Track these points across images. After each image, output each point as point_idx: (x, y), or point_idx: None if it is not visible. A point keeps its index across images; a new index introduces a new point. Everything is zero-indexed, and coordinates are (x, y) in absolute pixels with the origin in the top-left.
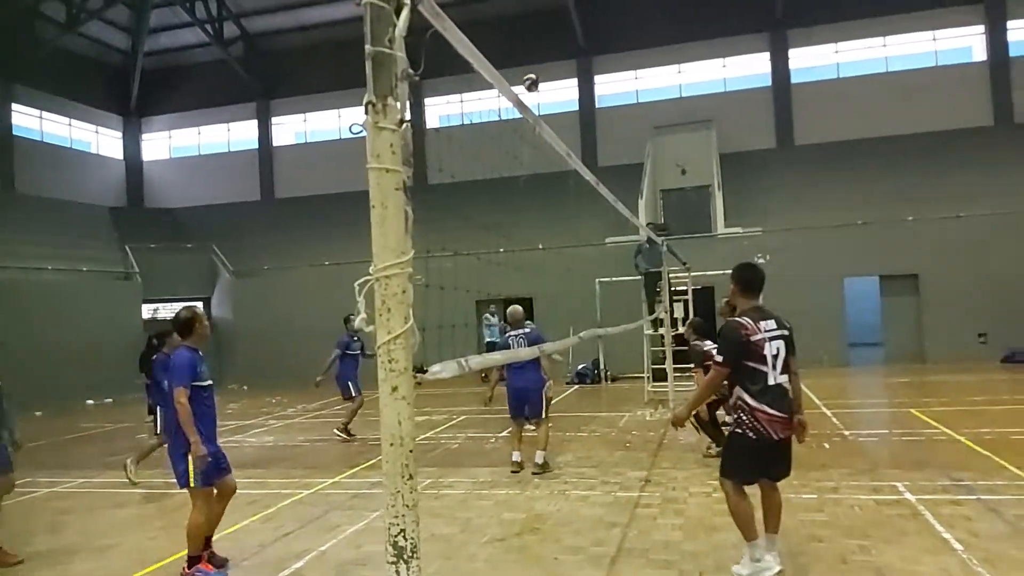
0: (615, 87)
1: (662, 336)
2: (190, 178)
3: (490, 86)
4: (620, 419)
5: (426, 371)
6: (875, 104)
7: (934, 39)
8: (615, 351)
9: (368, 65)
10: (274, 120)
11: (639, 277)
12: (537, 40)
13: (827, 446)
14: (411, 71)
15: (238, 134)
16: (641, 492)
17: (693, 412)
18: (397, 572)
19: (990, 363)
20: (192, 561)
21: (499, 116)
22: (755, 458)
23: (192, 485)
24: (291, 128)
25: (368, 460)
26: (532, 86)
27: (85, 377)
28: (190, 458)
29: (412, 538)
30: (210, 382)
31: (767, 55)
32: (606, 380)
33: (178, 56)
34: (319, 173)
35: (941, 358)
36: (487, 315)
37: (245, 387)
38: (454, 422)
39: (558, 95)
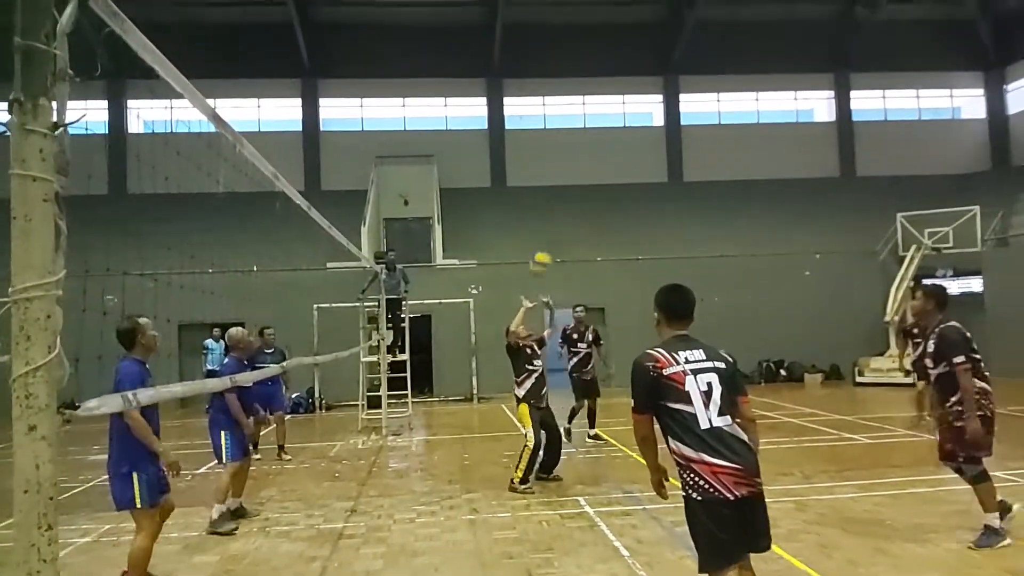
0: (341, 112)
1: (378, 363)
2: None
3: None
4: (332, 448)
5: (78, 406)
6: (575, 155)
7: (623, 103)
8: (331, 378)
9: (17, 59)
10: None
11: (358, 304)
12: (261, 56)
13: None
14: (70, 71)
15: None
16: (346, 523)
17: (657, 471)
18: None
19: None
20: None
21: (201, 129)
22: (716, 528)
23: (139, 505)
24: None
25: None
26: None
27: None
28: (135, 477)
29: None
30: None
31: (484, 100)
32: (321, 409)
33: None
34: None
35: (624, 383)
36: (210, 340)
37: None
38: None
39: (281, 113)
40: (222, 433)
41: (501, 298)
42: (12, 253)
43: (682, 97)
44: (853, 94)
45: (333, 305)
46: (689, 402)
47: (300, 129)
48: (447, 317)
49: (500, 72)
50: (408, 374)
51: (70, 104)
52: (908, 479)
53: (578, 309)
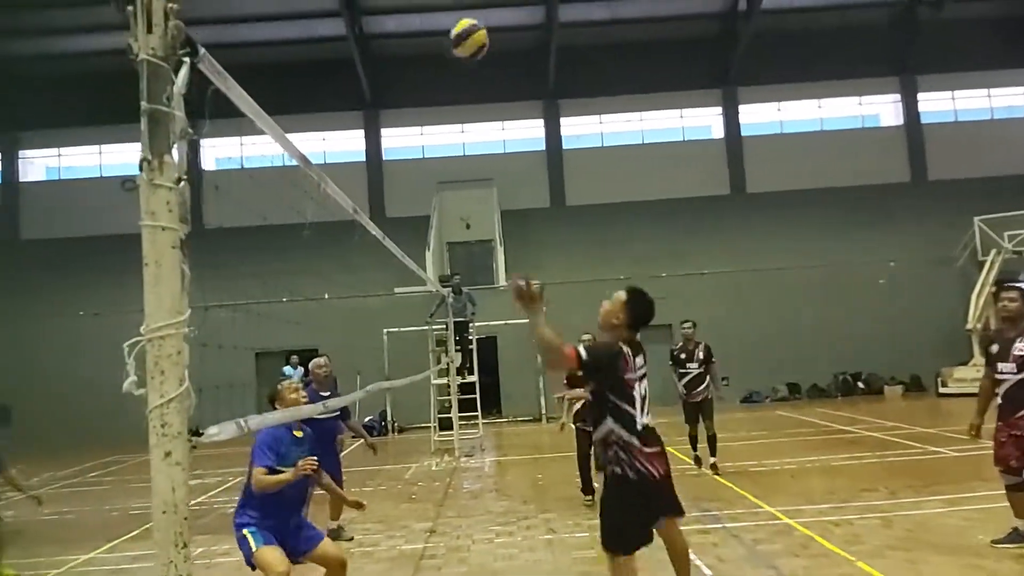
0: (402, 141)
1: (448, 385)
2: None
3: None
4: (407, 471)
5: (202, 433)
6: (634, 171)
7: (682, 116)
8: (402, 401)
9: (144, 122)
10: (23, 154)
11: (426, 327)
12: (325, 91)
13: (596, 484)
14: (190, 130)
15: None
16: (426, 544)
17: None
18: None
19: (731, 403)
20: None
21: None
22: (643, 506)
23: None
24: (44, 164)
25: (129, 531)
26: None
27: None
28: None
29: None
30: None
31: (541, 121)
32: (393, 432)
33: None
34: (73, 214)
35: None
36: (287, 367)
37: None
38: (228, 484)
39: (345, 144)
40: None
41: (566, 315)
42: (145, 296)
43: (741, 108)
44: (920, 96)
45: (402, 329)
46: (633, 404)
47: (364, 159)
48: (512, 338)
49: (556, 93)
50: (478, 396)
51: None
52: (1000, 492)
53: (685, 325)
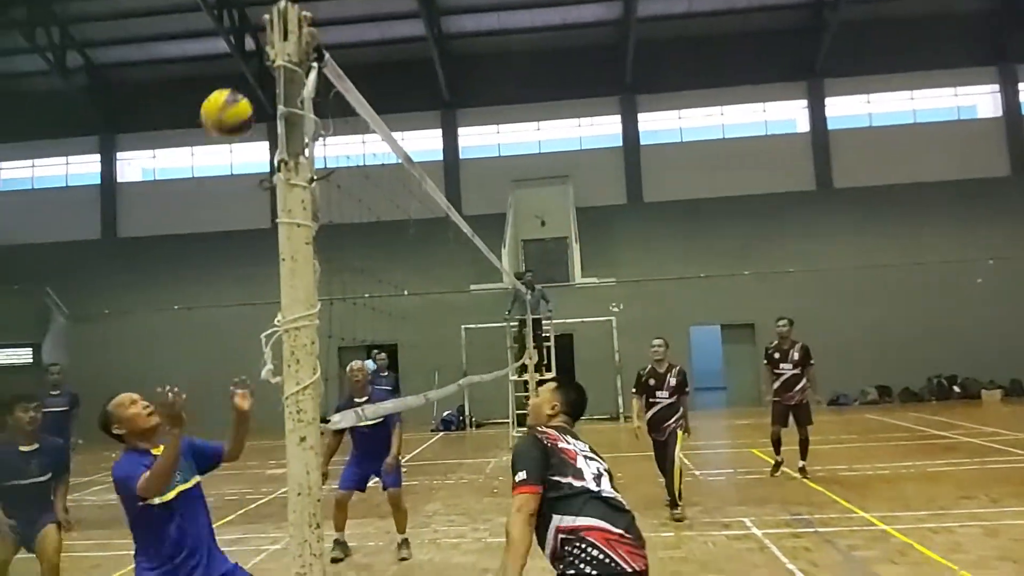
0: (478, 140)
1: (526, 382)
2: (20, 213)
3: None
4: (487, 465)
5: (328, 421)
6: (714, 167)
7: (764, 111)
8: (479, 397)
9: (280, 125)
10: (120, 155)
11: (503, 324)
12: (403, 90)
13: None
14: (323, 132)
15: (78, 168)
16: None
17: None
18: None
19: (817, 406)
20: None
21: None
22: None
23: None
24: (139, 164)
25: (227, 516)
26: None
27: None
28: None
29: None
30: None
31: (618, 117)
32: (471, 426)
33: (12, 84)
34: (169, 212)
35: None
36: (369, 361)
37: (80, 440)
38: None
39: (423, 144)
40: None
41: (642, 314)
42: (282, 289)
43: (828, 101)
44: (1021, 87)
45: (478, 326)
46: (581, 477)
47: (441, 158)
48: (589, 336)
49: (633, 89)
50: None
51: None
52: None
53: (780, 323)
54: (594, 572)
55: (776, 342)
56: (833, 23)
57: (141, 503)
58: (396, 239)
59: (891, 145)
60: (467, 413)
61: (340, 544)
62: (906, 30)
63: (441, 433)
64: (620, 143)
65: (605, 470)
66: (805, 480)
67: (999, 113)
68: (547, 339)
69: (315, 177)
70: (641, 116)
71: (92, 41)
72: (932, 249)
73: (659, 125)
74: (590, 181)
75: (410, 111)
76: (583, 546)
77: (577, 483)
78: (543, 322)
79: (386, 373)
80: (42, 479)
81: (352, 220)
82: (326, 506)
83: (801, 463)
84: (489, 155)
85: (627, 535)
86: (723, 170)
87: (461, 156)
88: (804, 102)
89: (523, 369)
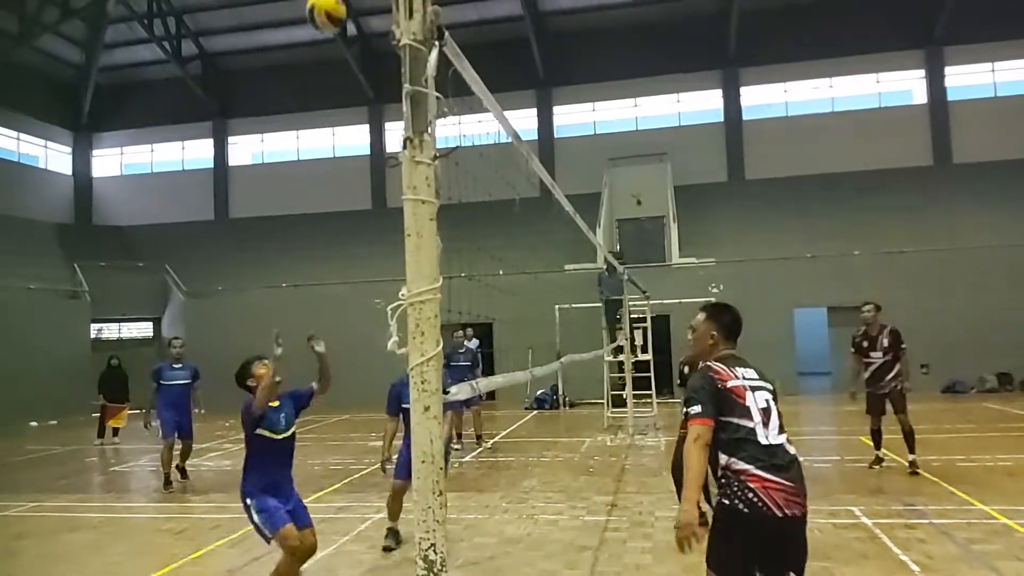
0: (573, 118)
1: (621, 363)
2: (142, 196)
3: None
4: (581, 444)
5: (448, 392)
6: (822, 142)
7: (877, 81)
8: (573, 377)
9: (406, 103)
10: (230, 140)
11: (597, 304)
12: (499, 70)
13: None
14: (445, 109)
15: (193, 152)
16: (608, 516)
17: (694, 508)
18: None
19: (931, 393)
20: None
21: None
22: (750, 543)
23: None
24: (248, 148)
25: (332, 484)
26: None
27: (28, 398)
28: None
29: (442, 552)
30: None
31: (719, 92)
32: (564, 406)
33: (133, 72)
34: (276, 194)
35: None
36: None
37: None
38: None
39: (518, 124)
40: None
41: (743, 296)
42: (407, 264)
43: (947, 70)
44: None
45: (573, 305)
46: (749, 417)
47: (536, 138)
48: (687, 317)
49: (736, 62)
50: (652, 374)
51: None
52: None
53: (865, 308)
54: (745, 510)
55: (864, 329)
56: None
57: (255, 430)
58: (500, 217)
59: (1017, 116)
60: (561, 392)
61: (393, 533)
62: None
63: (535, 412)
64: (721, 119)
65: (772, 397)
66: (919, 472)
67: None
68: (643, 320)
69: (438, 155)
70: (744, 90)
71: (205, 30)
72: None
73: (763, 99)
74: (689, 158)
75: (506, 91)
76: (742, 487)
77: (744, 424)
78: (635, 303)
79: (463, 349)
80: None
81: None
82: (383, 490)
83: (911, 457)
84: (584, 133)
85: (785, 482)
86: (831, 145)
87: (556, 135)
88: (922, 72)
89: (618, 350)
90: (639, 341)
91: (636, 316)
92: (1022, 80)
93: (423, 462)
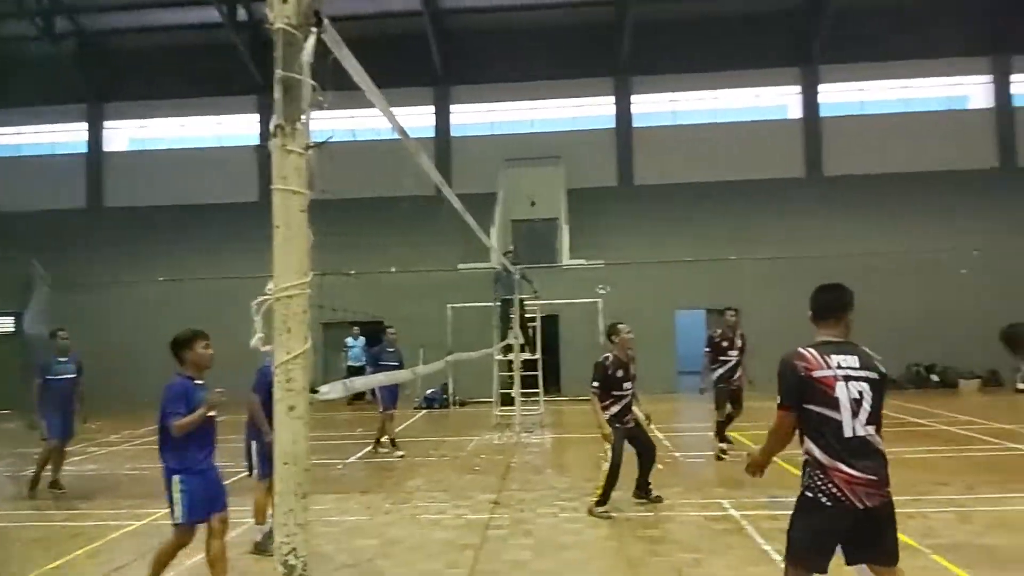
0: (471, 117)
1: (510, 362)
2: (4, 181)
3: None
4: (469, 443)
5: (317, 391)
6: (706, 151)
7: (757, 96)
8: (463, 376)
9: (277, 90)
10: (108, 124)
11: (490, 304)
12: (396, 66)
13: (660, 467)
14: (320, 98)
15: (65, 137)
16: (491, 514)
17: (769, 457)
18: None
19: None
20: None
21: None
22: (829, 533)
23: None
24: (127, 134)
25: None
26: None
27: None
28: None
29: (303, 557)
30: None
31: (612, 99)
32: (454, 405)
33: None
34: (156, 183)
35: (761, 385)
36: (349, 338)
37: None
38: None
39: (415, 121)
40: (252, 444)
41: (629, 297)
42: (275, 257)
43: (821, 88)
44: (1013, 78)
45: (465, 305)
46: (836, 408)
47: (433, 135)
48: (575, 317)
49: (628, 70)
50: (540, 373)
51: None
52: None
53: (730, 313)
54: (828, 503)
55: (722, 331)
56: (829, 9)
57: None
58: (386, 215)
59: (883, 134)
60: (451, 391)
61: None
62: (901, 18)
63: (424, 411)
64: (613, 124)
65: (871, 388)
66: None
67: (991, 104)
68: (532, 320)
69: (311, 145)
70: (635, 98)
71: (81, 6)
72: (917, 238)
73: (653, 108)
74: (582, 162)
75: (403, 86)
76: (824, 479)
77: (831, 415)
78: (526, 303)
79: (393, 349)
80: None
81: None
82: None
83: (723, 446)
84: (482, 133)
85: (868, 476)
86: (714, 154)
87: (452, 134)
88: (798, 88)
89: (508, 349)
90: (521, 340)
91: (528, 316)
92: (888, 100)
93: (285, 464)
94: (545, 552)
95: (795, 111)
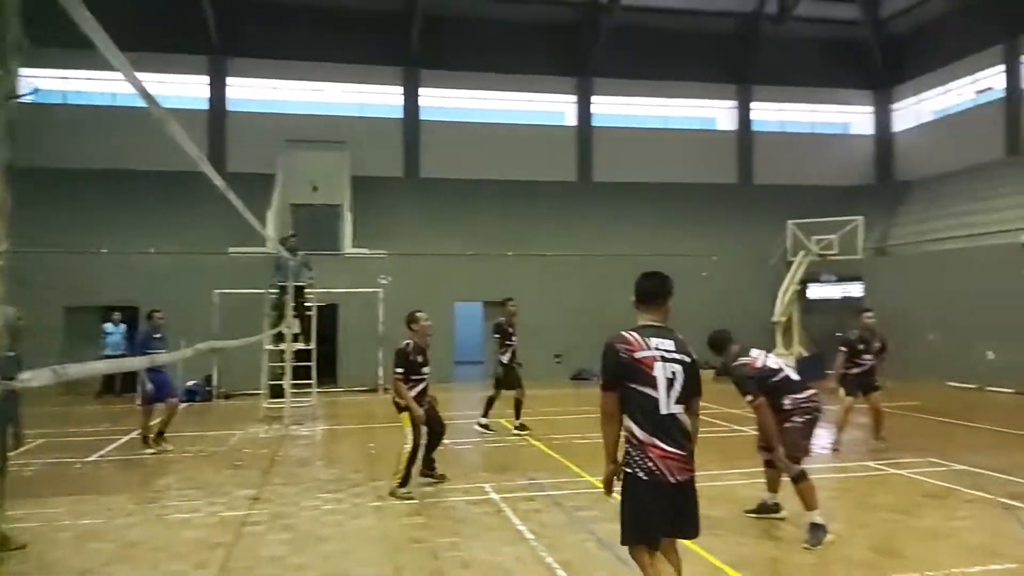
0: (250, 92)
1: (282, 352)
2: None
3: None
4: (231, 437)
5: (13, 379)
6: (488, 150)
7: (532, 101)
8: (230, 367)
9: None
10: None
11: (262, 291)
12: (167, 30)
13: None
14: (26, 42)
15: None
16: (249, 510)
17: (613, 462)
18: None
19: (563, 380)
20: None
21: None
22: (652, 506)
23: None
24: None
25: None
26: None
27: None
28: None
29: None
30: None
31: (400, 89)
32: (218, 397)
33: None
34: None
35: (526, 376)
36: (108, 324)
37: None
38: (29, 447)
39: (186, 90)
40: None
41: (410, 288)
42: None
43: (594, 99)
44: (753, 105)
45: (235, 291)
46: (655, 386)
47: (207, 108)
48: (354, 307)
49: (418, 62)
50: (313, 363)
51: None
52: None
53: (511, 305)
54: (646, 477)
55: (504, 320)
56: (603, 24)
57: None
58: (141, 190)
59: (646, 146)
60: (215, 383)
61: None
62: (663, 43)
63: (184, 404)
64: (401, 115)
65: (683, 371)
66: (546, 449)
67: (734, 127)
68: (309, 308)
69: (12, 97)
70: (423, 91)
71: None
72: (667, 243)
73: (441, 102)
74: (369, 150)
75: (173, 51)
76: (642, 455)
77: (650, 393)
78: (305, 290)
79: (160, 335)
80: None
81: (89, 165)
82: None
83: (519, 421)
84: (261, 110)
85: (679, 451)
86: (494, 154)
87: (229, 108)
88: (574, 97)
89: (279, 338)
90: (296, 329)
91: (305, 304)
92: (651, 115)
93: None
94: (304, 545)
95: (571, 119)
